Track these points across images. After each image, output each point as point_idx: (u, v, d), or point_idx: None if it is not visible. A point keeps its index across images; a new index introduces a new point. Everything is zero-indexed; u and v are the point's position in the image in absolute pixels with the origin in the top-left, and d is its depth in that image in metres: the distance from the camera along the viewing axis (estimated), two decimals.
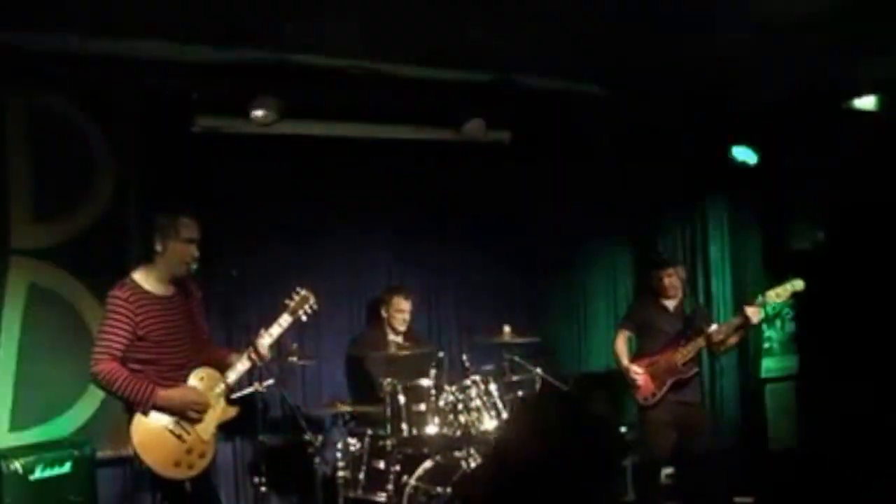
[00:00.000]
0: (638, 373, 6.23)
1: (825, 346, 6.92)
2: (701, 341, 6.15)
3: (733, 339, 6.19)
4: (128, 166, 6.04)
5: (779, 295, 6.09)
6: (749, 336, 6.23)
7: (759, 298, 6.07)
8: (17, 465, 5.17)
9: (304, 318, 5.11)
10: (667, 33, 5.88)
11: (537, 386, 6.19)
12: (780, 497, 6.54)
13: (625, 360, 6.34)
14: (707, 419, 6.30)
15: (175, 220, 4.71)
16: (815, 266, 7.03)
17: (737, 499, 6.48)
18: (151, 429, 4.55)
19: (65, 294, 5.80)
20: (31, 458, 5.23)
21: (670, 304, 6.37)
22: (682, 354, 6.15)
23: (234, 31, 5.72)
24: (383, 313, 6.55)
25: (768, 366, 7.44)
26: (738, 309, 6.13)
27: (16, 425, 5.58)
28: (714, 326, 6.23)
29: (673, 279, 6.31)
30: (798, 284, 6.10)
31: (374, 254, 6.84)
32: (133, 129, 6.04)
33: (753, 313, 6.03)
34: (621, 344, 6.43)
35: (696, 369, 6.26)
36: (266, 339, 4.92)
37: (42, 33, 5.46)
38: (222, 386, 4.81)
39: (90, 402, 5.68)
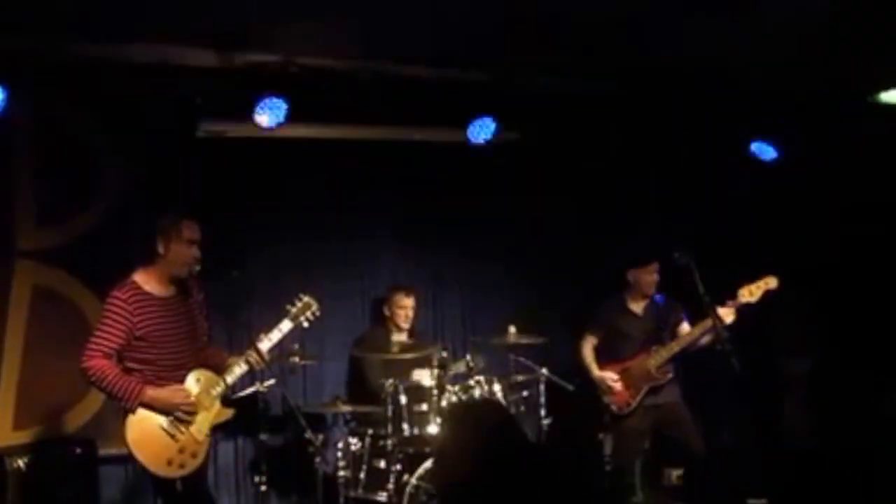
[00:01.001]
0: (614, 380, 6.11)
1: (842, 342, 6.76)
2: (674, 346, 6.00)
3: (706, 340, 5.96)
4: (132, 170, 6.13)
5: (752, 293, 5.87)
6: (726, 336, 5.95)
7: (730, 301, 5.86)
8: (20, 462, 5.24)
9: (305, 324, 5.11)
10: (686, 27, 5.84)
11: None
12: (795, 499, 6.39)
13: (595, 370, 6.21)
14: (688, 415, 6.11)
15: (177, 222, 4.75)
16: (832, 262, 6.92)
17: (750, 500, 6.34)
18: (145, 427, 4.58)
19: (69, 295, 5.89)
20: (33, 456, 5.32)
21: (638, 307, 6.24)
22: (655, 360, 6.02)
23: (237, 35, 5.79)
24: (386, 312, 6.55)
25: (783, 363, 7.27)
26: (711, 309, 5.80)
27: (19, 424, 5.66)
28: (685, 326, 6.07)
29: (652, 277, 6.13)
30: (771, 282, 5.89)
31: (378, 254, 6.84)
32: (137, 133, 6.12)
33: (726, 314, 5.80)
34: (588, 352, 6.30)
35: (670, 375, 6.08)
36: (265, 344, 4.93)
37: (46, 38, 5.56)
38: (219, 388, 4.83)
39: (93, 401, 5.74)
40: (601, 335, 6.32)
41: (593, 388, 6.24)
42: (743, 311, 5.92)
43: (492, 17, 5.58)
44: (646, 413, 6.07)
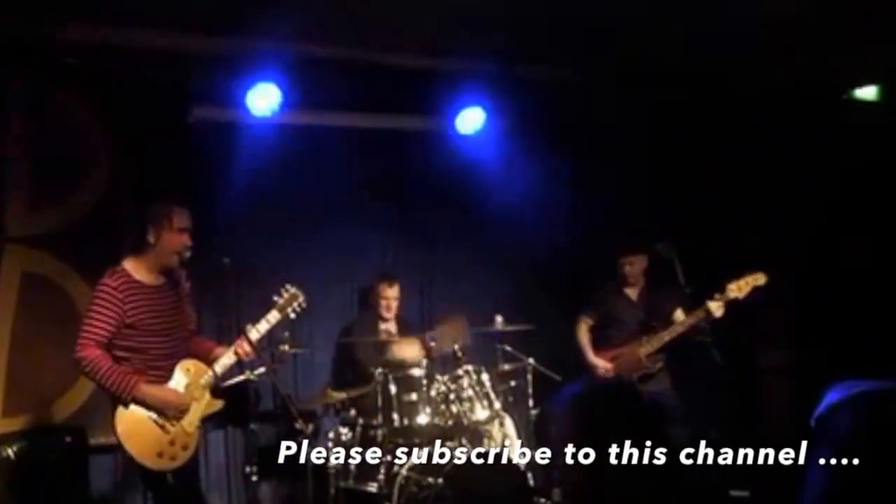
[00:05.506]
0: (607, 369, 6.19)
1: (825, 336, 6.83)
2: (665, 335, 6.04)
3: (693, 331, 5.98)
4: (123, 156, 6.07)
5: (740, 289, 5.88)
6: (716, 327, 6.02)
7: (718, 295, 5.86)
8: (9, 451, 5.20)
9: (292, 315, 5.13)
10: (665, 23, 5.87)
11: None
12: (777, 491, 6.47)
13: (590, 355, 6.31)
14: (678, 406, 6.17)
15: (168, 210, 4.74)
16: (815, 256, 6.99)
17: (732, 492, 6.42)
18: (136, 419, 4.59)
19: (59, 281, 5.84)
20: (23, 445, 5.27)
21: (632, 292, 6.31)
22: (646, 348, 6.07)
23: (230, 21, 5.75)
24: (372, 300, 6.57)
25: (764, 355, 7.34)
26: (700, 302, 5.91)
27: (9, 411, 5.62)
28: (679, 314, 6.09)
29: (634, 268, 6.25)
30: (760, 279, 5.92)
31: (367, 242, 6.83)
32: (129, 118, 6.06)
33: (716, 308, 5.83)
34: (584, 334, 6.39)
35: (660, 364, 6.15)
36: (253, 334, 4.94)
37: (39, 23, 5.49)
38: (208, 378, 4.84)
39: (83, 389, 5.71)
40: (596, 318, 6.40)
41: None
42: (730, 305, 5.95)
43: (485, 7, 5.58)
44: None
